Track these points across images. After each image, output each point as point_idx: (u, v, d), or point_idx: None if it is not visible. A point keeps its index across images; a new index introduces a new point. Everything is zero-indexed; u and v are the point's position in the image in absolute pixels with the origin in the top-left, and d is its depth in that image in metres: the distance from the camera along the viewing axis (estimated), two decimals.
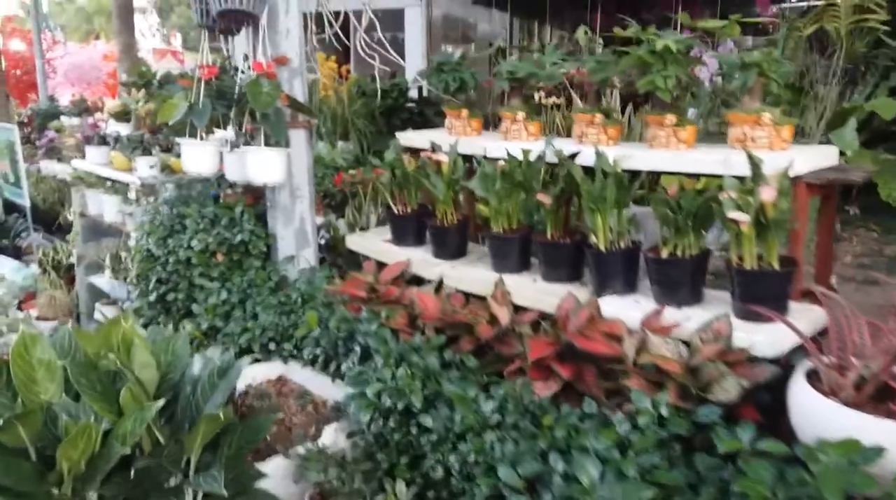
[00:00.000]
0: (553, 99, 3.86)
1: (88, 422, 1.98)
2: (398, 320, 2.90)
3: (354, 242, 3.59)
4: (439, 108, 5.47)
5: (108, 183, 4.14)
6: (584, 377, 2.43)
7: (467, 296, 3.00)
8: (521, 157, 2.89)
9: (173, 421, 2.26)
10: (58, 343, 2.30)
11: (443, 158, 3.11)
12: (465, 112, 3.43)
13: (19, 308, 3.84)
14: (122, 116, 4.45)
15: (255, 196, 3.89)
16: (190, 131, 3.61)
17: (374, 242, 3.50)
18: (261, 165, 3.35)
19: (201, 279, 3.35)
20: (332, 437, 2.55)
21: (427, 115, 5.58)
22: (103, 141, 4.33)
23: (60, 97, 17.28)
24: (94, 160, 4.30)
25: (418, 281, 3.19)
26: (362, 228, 3.97)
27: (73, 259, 5.43)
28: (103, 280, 4.41)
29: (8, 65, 11.67)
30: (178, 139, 3.57)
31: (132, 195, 3.77)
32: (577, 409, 2.24)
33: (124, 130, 4.41)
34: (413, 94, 5.75)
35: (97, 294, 4.73)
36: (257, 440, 2.26)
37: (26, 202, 7.47)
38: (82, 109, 16.10)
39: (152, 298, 3.41)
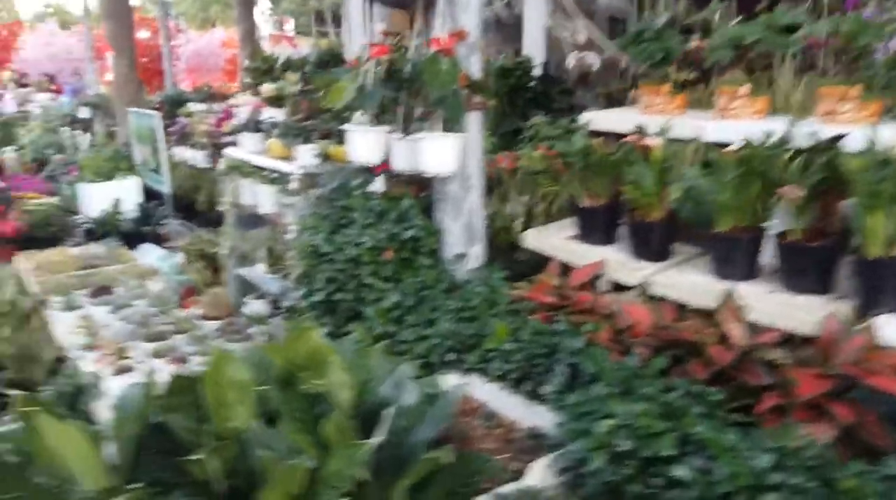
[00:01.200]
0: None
1: (296, 465, 1.70)
2: (601, 334, 2.51)
3: (533, 238, 3.21)
4: (563, 87, 5.01)
5: (264, 172, 3.95)
6: (866, 423, 1.96)
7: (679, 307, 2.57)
8: (758, 140, 2.41)
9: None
10: (249, 360, 2.05)
11: (653, 142, 2.67)
12: (666, 87, 2.97)
13: (181, 305, 3.72)
14: (276, 101, 4.24)
15: (420, 187, 3.58)
16: (356, 117, 3.34)
17: (555, 239, 3.11)
18: (436, 153, 3.02)
19: (372, 279, 3.07)
20: (540, 475, 2.19)
21: (551, 94, 5.10)
22: (257, 128, 4.14)
23: (181, 84, 17.88)
24: (249, 148, 4.12)
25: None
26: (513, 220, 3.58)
27: (219, 249, 5.35)
28: (254, 273, 4.25)
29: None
30: (344, 126, 3.29)
31: (293, 186, 3.55)
32: (872, 467, 1.78)
33: (278, 115, 4.21)
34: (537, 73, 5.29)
35: (246, 287, 4.59)
36: (475, 485, 1.93)
37: (167, 190, 7.58)
38: (207, 95, 16.54)
39: (318, 297, 3.16)
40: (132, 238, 6.85)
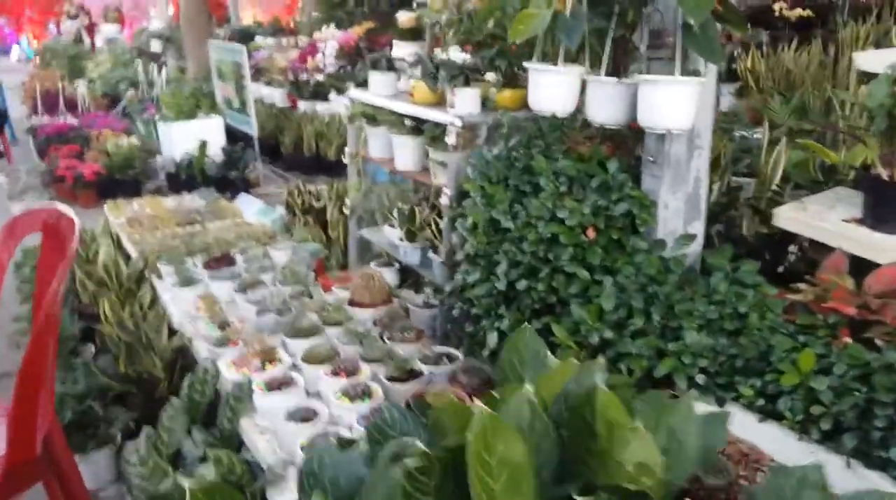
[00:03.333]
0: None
1: None
2: None
3: (789, 216, 2.45)
4: None
5: (405, 121, 3.24)
6: None
7: None
8: None
9: None
10: (514, 414, 1.38)
11: None
12: None
13: (318, 283, 3.07)
14: (410, 34, 3.49)
15: (615, 145, 2.83)
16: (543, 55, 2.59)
17: (828, 222, 2.35)
18: (669, 102, 2.26)
19: (573, 266, 2.36)
20: None
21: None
22: (390, 66, 3.40)
23: (242, 18, 17.12)
24: (379, 90, 3.40)
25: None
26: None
27: (323, 202, 4.70)
28: (382, 238, 3.58)
29: None
30: (531, 64, 2.54)
31: (451, 140, 2.84)
32: None
33: (408, 51, 3.45)
34: None
35: (365, 250, 3.94)
36: None
37: (253, 131, 6.94)
38: (277, 29, 15.69)
39: (499, 285, 2.48)
40: (218, 184, 6.27)
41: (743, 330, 2.07)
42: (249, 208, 4.77)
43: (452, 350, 2.46)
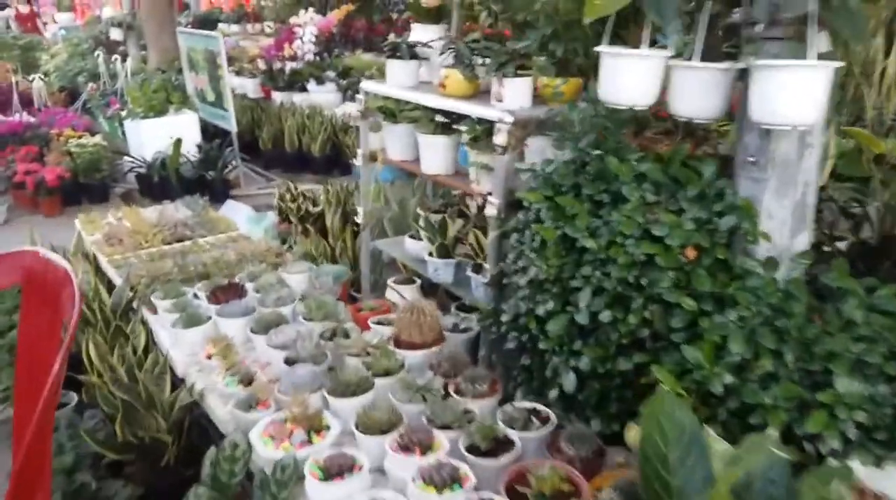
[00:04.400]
0: None
1: None
2: None
3: None
4: None
5: (433, 117, 2.77)
6: None
7: None
8: None
9: None
10: None
11: None
12: None
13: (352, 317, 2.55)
14: (429, 15, 3.01)
15: (696, 142, 2.41)
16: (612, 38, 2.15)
17: None
18: (794, 91, 1.84)
19: (675, 294, 1.94)
20: None
21: None
22: (412, 54, 2.92)
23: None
24: (400, 81, 2.92)
25: None
26: None
27: (321, 207, 4.21)
28: (405, 250, 3.13)
29: None
30: (604, 48, 2.10)
31: (500, 139, 2.38)
32: None
33: (431, 34, 2.98)
34: None
35: (376, 262, 3.48)
36: None
37: (232, 127, 6.36)
38: (241, 15, 14.92)
39: (579, 317, 2.04)
40: (195, 186, 5.71)
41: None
42: (237, 216, 4.26)
43: (539, 406, 2.01)
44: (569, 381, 2.08)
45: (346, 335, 2.28)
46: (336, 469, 1.63)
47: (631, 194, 2.10)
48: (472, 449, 1.73)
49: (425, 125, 2.83)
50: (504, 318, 2.32)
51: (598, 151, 2.24)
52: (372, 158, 3.18)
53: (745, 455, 1.31)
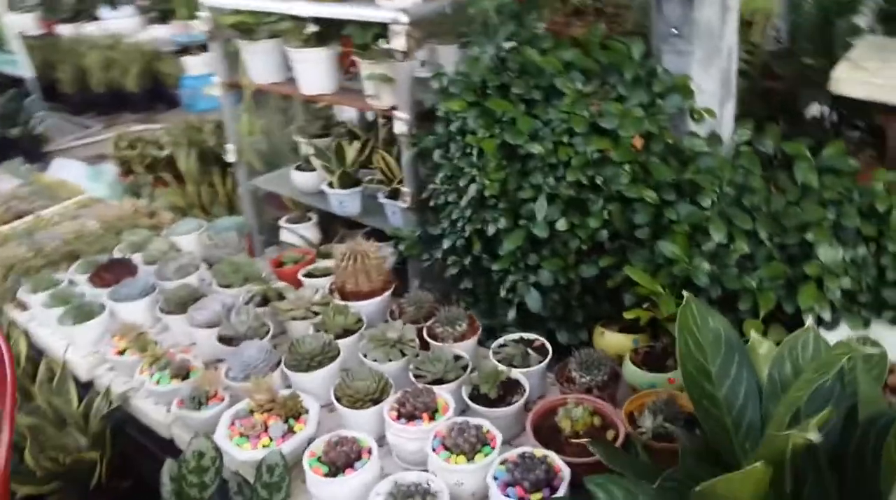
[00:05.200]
0: None
1: None
2: None
3: (853, 81, 2.03)
4: None
5: (305, 27, 2.37)
6: None
7: None
8: None
9: None
10: None
11: None
12: None
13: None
14: None
15: (609, 21, 2.23)
16: None
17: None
18: None
19: (635, 189, 1.79)
20: None
21: None
22: None
23: None
24: None
25: None
26: None
27: (169, 150, 3.69)
28: (287, 184, 2.78)
29: None
30: None
31: (399, 44, 2.03)
32: None
33: None
34: None
35: (258, 205, 3.09)
36: None
37: (26, 71, 5.36)
38: None
39: (540, 231, 1.86)
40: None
41: (885, 233, 1.66)
42: (70, 176, 3.63)
43: (526, 335, 1.82)
44: (533, 299, 1.93)
45: (281, 297, 1.96)
46: (343, 459, 1.37)
47: (564, 87, 1.91)
48: (478, 399, 1.53)
49: (296, 38, 2.44)
50: (445, 244, 2.10)
51: (511, 43, 2.01)
52: (232, 85, 2.75)
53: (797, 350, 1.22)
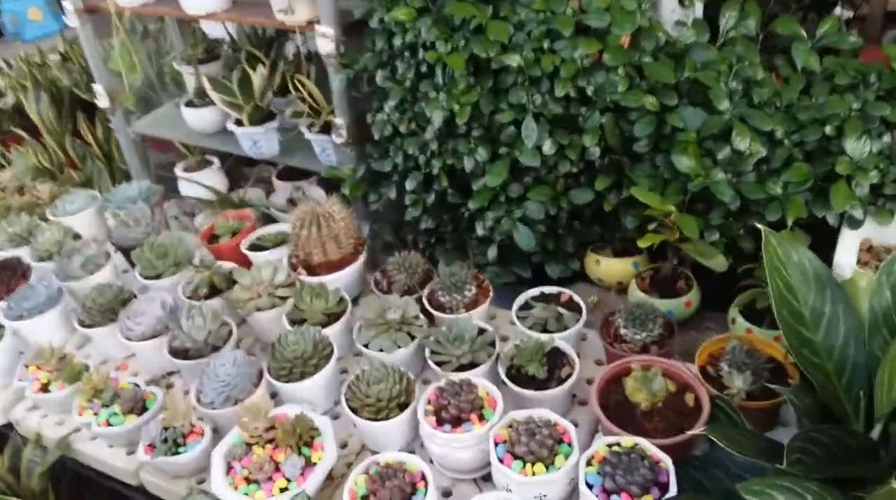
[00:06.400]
0: None
1: None
2: None
3: None
4: None
5: None
6: None
7: None
8: None
9: None
10: None
11: None
12: None
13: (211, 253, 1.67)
14: None
15: None
16: None
17: None
18: None
19: (633, 97, 1.53)
20: None
21: None
22: None
23: None
24: None
25: None
26: None
27: (6, 96, 3.04)
28: (178, 127, 2.31)
29: None
30: None
31: None
32: None
33: None
34: None
35: (140, 151, 2.59)
36: None
37: None
38: None
39: (527, 158, 1.56)
40: None
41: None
42: None
43: (547, 288, 1.51)
44: (523, 235, 1.66)
45: (232, 282, 1.55)
46: (399, 497, 1.06)
47: None
48: (518, 380, 1.27)
49: None
50: (409, 184, 1.78)
51: None
52: (90, 10, 2.20)
53: None
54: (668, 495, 1.01)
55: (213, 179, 2.44)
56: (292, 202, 2.21)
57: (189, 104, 2.29)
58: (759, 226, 1.13)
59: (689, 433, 1.01)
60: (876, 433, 1.08)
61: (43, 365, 1.47)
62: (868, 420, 1.09)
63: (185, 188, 2.43)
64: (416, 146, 1.75)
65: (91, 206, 1.94)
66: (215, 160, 2.48)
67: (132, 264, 1.76)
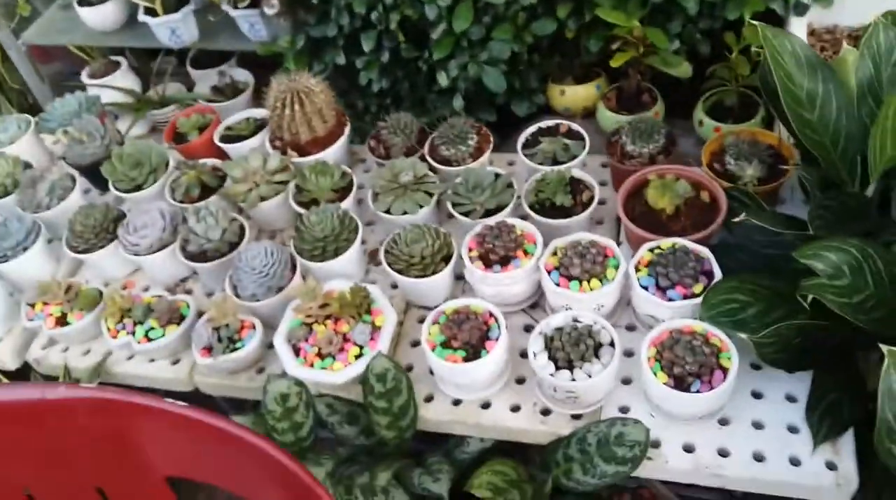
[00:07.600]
0: None
1: None
2: None
3: None
4: None
5: None
6: None
7: None
8: None
9: None
10: None
11: None
12: None
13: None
14: None
15: None
16: None
17: None
18: None
19: None
20: None
21: None
22: None
23: None
24: None
25: None
26: None
27: None
28: (65, 31, 2.09)
29: None
30: None
31: None
32: None
33: None
34: None
35: (37, 68, 2.33)
36: None
37: None
38: None
39: None
40: None
41: None
42: None
43: (545, 123, 1.50)
44: (492, 77, 1.66)
45: (221, 178, 1.47)
46: (477, 336, 1.11)
47: None
48: (544, 212, 1.32)
49: None
50: (366, 46, 1.71)
51: None
52: None
53: None
54: (715, 280, 1.13)
55: (125, 80, 2.24)
56: (219, 90, 2.09)
57: (83, 3, 2.06)
58: (754, 22, 1.19)
59: (735, 219, 1.11)
60: (870, 190, 1.22)
61: (51, 300, 1.40)
62: (863, 182, 1.23)
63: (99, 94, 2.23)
64: (364, 4, 1.67)
65: (25, 131, 1.76)
66: (122, 61, 2.27)
67: (95, 184, 1.64)
